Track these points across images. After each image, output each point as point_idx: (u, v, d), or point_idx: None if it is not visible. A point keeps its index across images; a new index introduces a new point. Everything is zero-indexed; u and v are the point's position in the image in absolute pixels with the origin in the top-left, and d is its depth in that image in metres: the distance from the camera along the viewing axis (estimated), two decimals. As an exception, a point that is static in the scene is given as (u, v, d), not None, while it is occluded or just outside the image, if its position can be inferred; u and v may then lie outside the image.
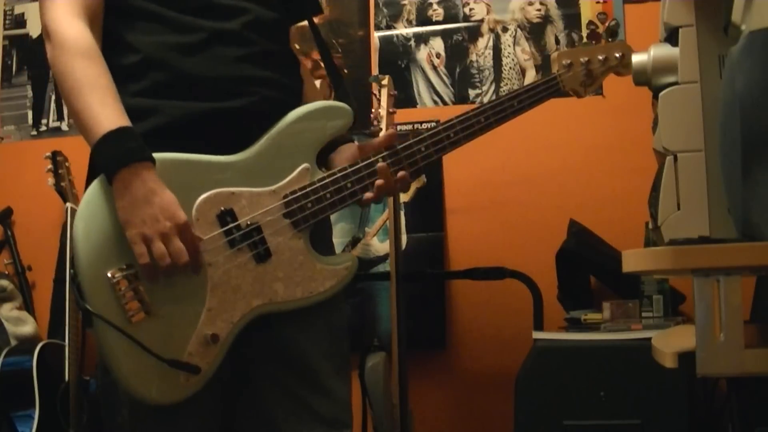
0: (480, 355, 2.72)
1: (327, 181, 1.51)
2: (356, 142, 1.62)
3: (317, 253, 1.51)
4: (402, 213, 2.72)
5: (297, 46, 1.88)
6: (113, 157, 1.37)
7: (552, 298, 2.49)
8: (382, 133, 1.64)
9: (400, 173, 1.53)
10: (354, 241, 2.77)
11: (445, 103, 2.82)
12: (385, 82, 2.33)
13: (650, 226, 1.39)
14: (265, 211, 1.48)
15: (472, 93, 2.81)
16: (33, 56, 3.18)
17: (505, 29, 2.81)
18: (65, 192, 2.73)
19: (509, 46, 2.80)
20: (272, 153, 1.50)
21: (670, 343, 1.18)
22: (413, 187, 2.78)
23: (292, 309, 1.49)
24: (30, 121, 3.14)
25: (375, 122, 2.27)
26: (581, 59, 1.68)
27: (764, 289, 1.77)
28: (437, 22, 2.86)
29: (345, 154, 1.59)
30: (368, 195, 1.52)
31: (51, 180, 2.74)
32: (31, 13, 3.19)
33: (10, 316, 2.79)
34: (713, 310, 0.95)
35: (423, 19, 2.87)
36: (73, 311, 2.55)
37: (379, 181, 1.51)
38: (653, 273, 1.32)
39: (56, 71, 1.44)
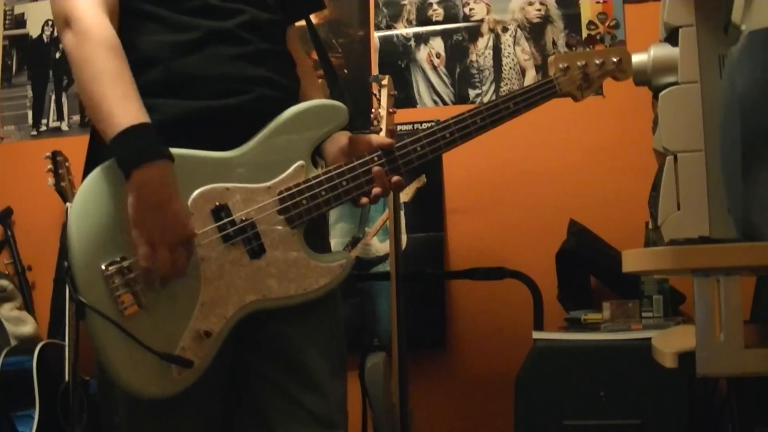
0: (480, 355, 2.72)
1: (322, 178, 1.51)
2: (348, 134, 1.62)
3: (312, 250, 1.52)
4: (402, 213, 2.72)
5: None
6: (135, 152, 1.36)
7: (552, 298, 2.49)
8: (381, 133, 1.65)
9: (395, 178, 1.55)
10: (354, 241, 2.77)
11: (445, 103, 2.82)
12: (385, 82, 2.33)
13: (650, 226, 1.39)
14: (260, 207, 1.48)
15: (472, 93, 2.80)
16: (33, 56, 3.18)
17: (505, 29, 2.81)
18: (65, 192, 2.73)
19: (509, 46, 2.80)
20: (268, 150, 1.51)
21: (670, 343, 1.18)
22: (413, 187, 2.78)
23: (287, 306, 1.49)
24: (30, 121, 3.14)
25: (375, 122, 2.27)
26: (578, 63, 1.69)
27: (764, 289, 1.77)
28: (437, 22, 2.86)
29: (338, 143, 1.60)
30: (364, 200, 1.54)
31: (51, 180, 2.74)
32: (31, 13, 3.19)
33: (10, 316, 2.79)
34: (713, 310, 0.95)
35: (423, 19, 2.87)
36: (73, 311, 2.55)
37: (376, 189, 1.53)
38: (653, 273, 1.32)
39: (76, 58, 1.41)
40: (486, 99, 2.76)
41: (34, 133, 3.13)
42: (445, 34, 2.85)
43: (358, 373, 2.34)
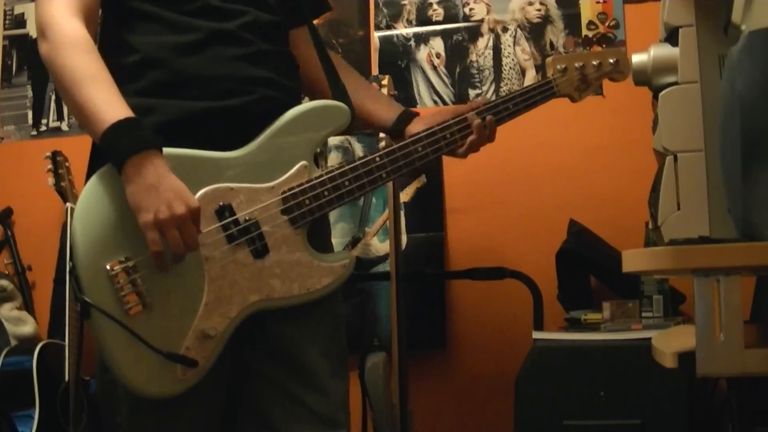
0: (480, 355, 2.72)
1: (325, 178, 1.52)
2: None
3: (315, 251, 1.52)
4: (402, 213, 2.72)
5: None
6: (124, 145, 1.37)
7: (552, 298, 2.49)
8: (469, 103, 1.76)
9: (488, 117, 1.64)
10: (354, 241, 2.77)
11: (445, 103, 2.82)
12: (385, 82, 2.33)
13: (650, 226, 1.39)
14: (263, 206, 1.48)
15: (472, 93, 2.80)
16: (33, 56, 3.17)
17: (505, 29, 2.81)
18: (65, 192, 2.73)
19: (509, 46, 2.80)
20: (271, 150, 1.51)
21: (670, 343, 1.18)
22: (413, 186, 2.78)
23: (290, 306, 1.50)
24: (30, 121, 3.14)
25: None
26: (576, 64, 1.70)
27: (764, 289, 1.77)
28: (437, 22, 2.86)
29: (421, 119, 1.69)
30: (461, 149, 1.64)
31: (51, 180, 2.73)
32: (31, 13, 3.18)
33: (10, 316, 2.79)
34: (713, 310, 0.95)
35: (423, 19, 2.87)
36: (73, 311, 2.54)
37: (472, 137, 1.63)
38: (653, 273, 1.32)
39: (54, 65, 1.42)
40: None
41: (34, 133, 3.13)
42: (445, 34, 2.85)
43: (358, 373, 2.34)
